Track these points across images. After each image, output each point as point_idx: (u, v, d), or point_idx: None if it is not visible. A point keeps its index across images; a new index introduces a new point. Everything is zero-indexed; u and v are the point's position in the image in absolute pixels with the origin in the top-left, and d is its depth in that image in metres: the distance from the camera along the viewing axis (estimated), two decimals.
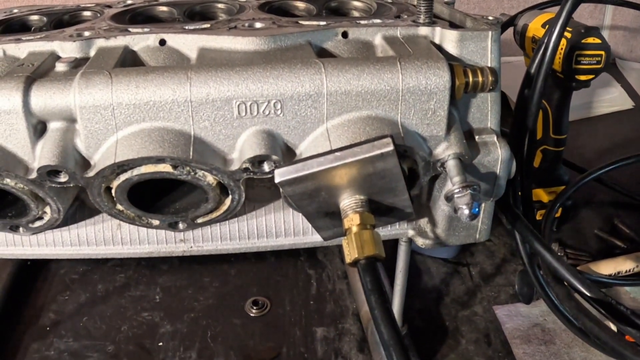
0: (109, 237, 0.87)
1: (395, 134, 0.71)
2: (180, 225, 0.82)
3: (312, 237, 0.84)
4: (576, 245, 1.30)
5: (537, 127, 1.24)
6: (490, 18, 0.86)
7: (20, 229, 0.83)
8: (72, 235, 0.87)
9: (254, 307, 1.17)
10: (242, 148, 0.71)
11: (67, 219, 0.85)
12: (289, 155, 0.72)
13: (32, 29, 0.91)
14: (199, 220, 0.81)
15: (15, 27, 0.96)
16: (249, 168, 0.70)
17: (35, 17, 0.97)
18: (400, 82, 0.70)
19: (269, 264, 1.29)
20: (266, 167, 0.71)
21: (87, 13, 0.98)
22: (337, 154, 0.67)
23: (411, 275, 1.03)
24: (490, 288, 1.21)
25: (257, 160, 0.70)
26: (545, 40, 0.94)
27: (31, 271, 1.28)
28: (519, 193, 0.99)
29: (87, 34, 0.82)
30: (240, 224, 0.85)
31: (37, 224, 0.81)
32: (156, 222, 0.81)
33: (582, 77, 1.14)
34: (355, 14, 0.99)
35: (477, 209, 0.72)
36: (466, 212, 0.71)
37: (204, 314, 1.17)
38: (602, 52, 1.11)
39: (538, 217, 1.28)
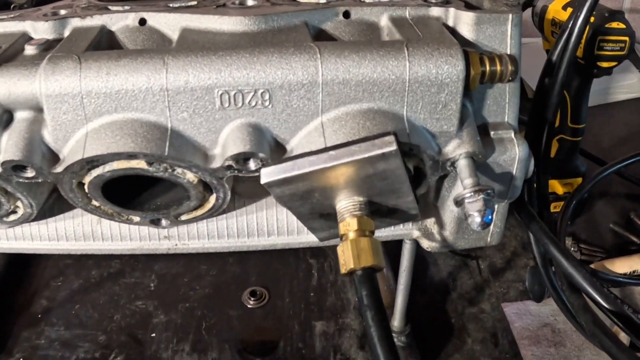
0: (88, 232, 0.76)
1: (399, 130, 0.59)
2: (163, 222, 0.71)
3: (307, 237, 0.73)
4: (590, 239, 1.17)
5: None
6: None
7: None
8: (49, 229, 0.76)
9: (252, 298, 1.06)
10: (225, 143, 0.59)
11: (45, 211, 0.74)
12: (278, 151, 0.60)
13: (12, 6, 0.78)
14: (183, 218, 0.69)
15: None
16: (232, 166, 0.58)
17: None
18: (408, 70, 0.58)
19: (269, 252, 1.17)
20: (252, 165, 0.59)
21: None
22: (332, 152, 0.55)
23: (417, 268, 0.91)
24: (499, 284, 1.09)
25: (242, 158, 0.58)
26: (570, 25, 0.81)
27: (25, 255, 1.17)
28: (535, 188, 0.87)
29: (62, 12, 0.70)
30: (229, 221, 0.73)
31: (11, 217, 0.71)
32: (137, 219, 0.70)
33: (604, 64, 1.00)
34: None
35: (489, 217, 0.60)
36: (478, 219, 0.59)
37: (200, 304, 1.07)
38: (627, 38, 0.98)
39: (552, 210, 1.16)
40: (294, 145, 0.60)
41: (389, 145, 0.54)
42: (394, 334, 0.94)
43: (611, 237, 1.19)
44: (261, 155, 0.57)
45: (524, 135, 0.91)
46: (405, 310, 0.92)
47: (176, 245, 0.75)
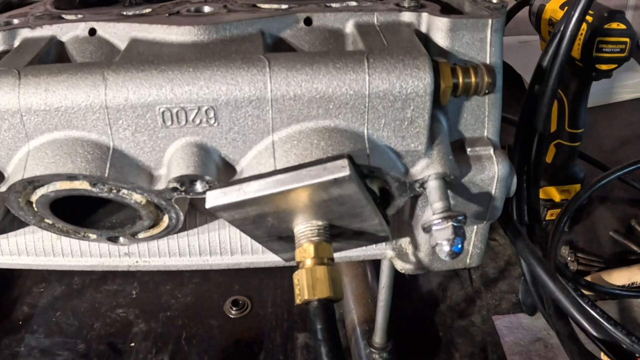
0: (49, 247, 0.71)
1: (357, 150, 0.52)
2: (121, 240, 0.66)
3: (273, 257, 0.67)
4: (589, 248, 1.10)
5: (552, 119, 1.04)
6: (494, 1, 0.66)
7: None
8: (10, 243, 0.72)
9: (234, 308, 1.01)
10: (169, 163, 0.53)
11: (5, 225, 0.70)
12: (227, 172, 0.54)
13: None
14: (140, 236, 0.64)
15: None
16: (177, 187, 0.53)
17: None
18: (367, 85, 0.52)
19: None
20: (199, 187, 0.53)
21: None
22: (280, 177, 0.50)
23: (404, 278, 0.85)
24: (491, 295, 1.03)
25: (187, 180, 0.52)
26: (562, 28, 0.74)
27: None
28: (526, 196, 0.81)
29: (15, 22, 0.65)
30: (191, 238, 0.68)
31: None
32: (94, 236, 0.65)
33: (603, 67, 0.93)
34: None
35: (459, 246, 0.53)
36: (446, 249, 0.53)
37: (181, 313, 1.02)
38: (627, 39, 0.91)
39: (548, 217, 1.09)
40: (244, 165, 0.54)
41: (342, 170, 0.49)
42: (375, 350, 0.88)
43: (611, 245, 1.12)
44: (207, 177, 0.52)
45: (509, 147, 0.84)
46: (386, 326, 0.86)
47: (137, 262, 0.70)
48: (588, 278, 0.99)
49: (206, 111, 0.51)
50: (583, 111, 1.02)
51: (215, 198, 0.51)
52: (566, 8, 0.95)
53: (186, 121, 0.52)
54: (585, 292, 0.80)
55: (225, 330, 0.99)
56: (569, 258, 1.06)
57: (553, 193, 1.08)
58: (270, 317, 1.00)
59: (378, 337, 0.87)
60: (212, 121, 0.52)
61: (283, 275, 1.08)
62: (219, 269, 0.97)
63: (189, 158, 0.52)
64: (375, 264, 0.99)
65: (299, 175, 0.49)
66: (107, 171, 0.53)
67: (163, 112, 0.51)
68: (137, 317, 1.01)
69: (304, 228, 0.55)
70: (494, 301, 1.02)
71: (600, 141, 1.43)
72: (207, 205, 0.51)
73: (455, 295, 1.03)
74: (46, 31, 0.62)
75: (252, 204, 0.51)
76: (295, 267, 0.55)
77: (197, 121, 0.52)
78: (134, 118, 0.52)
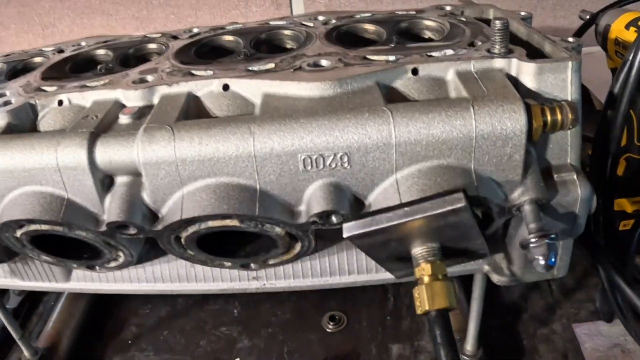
0: (183, 274, 0.85)
1: (468, 183, 0.65)
2: (253, 266, 0.79)
3: (385, 275, 0.80)
4: None
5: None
6: (571, 40, 0.78)
7: (97, 268, 0.82)
8: (147, 272, 0.86)
9: (331, 323, 1.14)
10: (309, 201, 0.67)
11: (141, 256, 0.83)
12: (357, 206, 0.67)
13: (99, 67, 0.88)
14: (271, 262, 0.77)
15: (82, 63, 0.93)
16: (316, 221, 0.66)
17: (101, 52, 0.95)
18: (474, 129, 0.64)
19: None
20: (334, 219, 0.66)
21: (152, 46, 0.95)
22: (407, 209, 0.63)
23: (488, 289, 0.97)
24: (570, 304, 1.14)
25: (325, 215, 0.66)
26: (630, 58, 0.85)
27: None
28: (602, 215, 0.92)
29: (149, 78, 0.78)
30: (312, 262, 0.81)
31: (112, 264, 0.80)
32: (228, 264, 0.79)
33: None
34: (428, 34, 0.92)
35: (553, 260, 0.65)
36: (542, 262, 0.65)
37: (281, 329, 1.15)
38: None
39: (621, 228, 1.19)
40: (372, 200, 0.67)
41: (459, 202, 0.61)
42: (467, 357, 1.00)
43: None
44: (342, 212, 0.65)
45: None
46: (477, 335, 0.98)
47: (264, 284, 0.83)
48: None
49: (341, 157, 0.64)
50: None
51: (351, 228, 0.64)
52: (632, 28, 1.05)
53: (324, 165, 0.65)
54: None
55: (324, 344, 1.10)
56: None
57: (625, 204, 1.19)
58: (365, 330, 1.12)
59: (469, 345, 0.99)
60: (345, 165, 0.65)
61: (375, 291, 1.20)
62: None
63: (327, 196, 0.65)
64: (460, 278, 1.11)
65: (423, 207, 0.62)
66: (257, 210, 0.66)
67: (304, 159, 0.65)
68: (240, 333, 1.14)
69: (421, 250, 0.67)
70: (573, 310, 1.12)
71: None
72: (345, 235, 0.64)
73: (536, 305, 1.14)
74: (182, 88, 0.76)
75: (382, 232, 0.64)
76: (414, 284, 0.68)
77: (333, 165, 0.65)
78: (279, 165, 0.65)
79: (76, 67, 0.93)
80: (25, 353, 1.06)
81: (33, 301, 1.26)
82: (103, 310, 1.22)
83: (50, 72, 0.90)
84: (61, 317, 1.18)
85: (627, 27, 1.08)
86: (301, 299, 1.20)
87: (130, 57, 0.95)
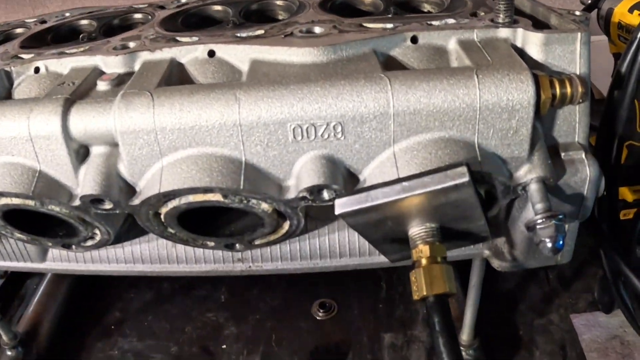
0: (164, 255, 0.79)
1: (471, 158, 0.59)
2: (237, 247, 0.73)
3: (379, 258, 0.74)
4: None
5: None
6: (578, 13, 0.72)
7: (73, 247, 0.75)
8: (126, 252, 0.80)
9: (321, 310, 1.08)
10: (299, 175, 0.60)
11: (120, 235, 0.77)
12: (351, 181, 0.61)
13: (81, 36, 0.81)
14: (257, 242, 0.71)
15: (64, 33, 0.87)
16: (306, 197, 0.60)
17: (85, 22, 0.89)
18: (478, 98, 0.58)
19: None
20: (326, 195, 0.60)
21: (138, 15, 0.88)
22: (405, 184, 0.56)
23: (486, 278, 0.91)
24: (568, 294, 1.08)
25: (316, 189, 0.59)
26: (639, 35, 0.79)
27: None
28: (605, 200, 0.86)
29: (132, 45, 0.72)
30: (302, 243, 0.75)
31: (89, 243, 0.74)
32: (211, 244, 0.72)
33: None
34: (427, 7, 0.85)
35: (561, 242, 0.59)
36: (549, 245, 0.60)
37: (270, 316, 1.09)
38: None
39: (622, 217, 1.13)
40: (367, 175, 0.61)
41: (462, 177, 0.55)
42: (462, 348, 0.94)
43: None
44: (335, 186, 0.59)
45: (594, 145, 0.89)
46: (474, 324, 0.92)
47: (250, 267, 0.77)
48: None
49: (334, 126, 0.58)
50: None
51: (343, 205, 0.58)
52: (635, 11, 1.00)
53: (315, 136, 0.59)
54: None
55: (314, 332, 1.05)
56: None
57: (626, 193, 1.13)
58: (356, 318, 1.06)
59: (465, 335, 0.93)
60: (339, 135, 0.59)
61: (367, 278, 1.14)
62: (305, 273, 1.05)
63: (319, 169, 0.59)
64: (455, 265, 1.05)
65: (422, 182, 0.56)
66: (242, 183, 0.60)
67: (294, 129, 0.58)
68: (227, 320, 1.08)
69: (419, 230, 0.61)
70: (570, 300, 1.07)
71: None
72: (336, 212, 0.58)
73: (533, 295, 1.08)
74: (165, 54, 0.70)
75: (377, 209, 0.57)
76: (408, 269, 0.62)
77: (326, 136, 0.59)
78: (266, 134, 0.59)
79: (58, 37, 0.87)
80: (4, 337, 1.00)
81: (15, 284, 1.20)
82: (86, 293, 1.16)
83: (30, 42, 0.83)
84: (42, 301, 1.12)
85: (630, 10, 1.02)
86: (290, 285, 1.14)
87: (114, 27, 0.89)
